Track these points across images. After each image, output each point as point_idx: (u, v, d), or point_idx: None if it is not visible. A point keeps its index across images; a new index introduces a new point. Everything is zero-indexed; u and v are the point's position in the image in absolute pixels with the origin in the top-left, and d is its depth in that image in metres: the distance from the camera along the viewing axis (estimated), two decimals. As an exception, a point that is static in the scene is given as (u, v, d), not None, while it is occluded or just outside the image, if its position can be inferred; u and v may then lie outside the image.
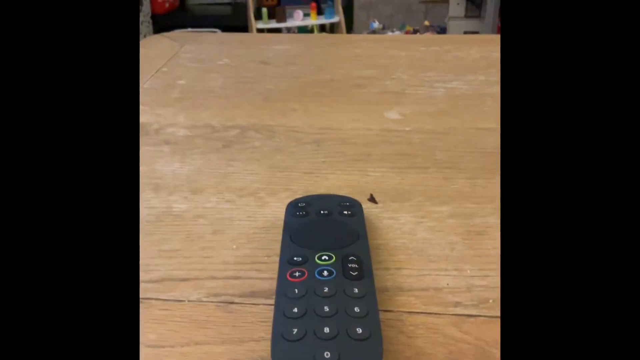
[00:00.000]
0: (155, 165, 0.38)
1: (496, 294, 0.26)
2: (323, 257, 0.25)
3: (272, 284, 0.27)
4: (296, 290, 0.23)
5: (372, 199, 0.34)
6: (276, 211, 0.33)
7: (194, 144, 0.41)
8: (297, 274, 0.24)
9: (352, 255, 0.25)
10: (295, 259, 0.25)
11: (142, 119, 0.45)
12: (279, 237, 0.29)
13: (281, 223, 0.29)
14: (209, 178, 0.37)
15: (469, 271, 0.28)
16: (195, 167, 0.38)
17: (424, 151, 0.39)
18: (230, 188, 0.35)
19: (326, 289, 0.23)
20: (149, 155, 0.39)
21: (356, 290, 0.23)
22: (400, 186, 0.35)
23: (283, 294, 0.23)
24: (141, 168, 0.38)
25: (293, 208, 0.30)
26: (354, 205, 0.30)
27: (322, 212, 0.29)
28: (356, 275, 0.24)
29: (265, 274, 0.28)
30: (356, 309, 0.22)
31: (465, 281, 0.27)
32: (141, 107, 0.47)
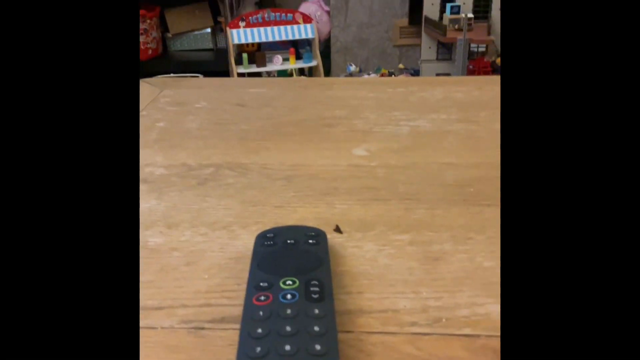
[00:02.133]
0: (133, 203, 0.40)
1: (448, 314, 0.28)
2: (287, 282, 0.27)
3: (241, 310, 0.28)
4: (261, 312, 0.25)
5: (337, 229, 0.36)
6: (247, 242, 0.35)
7: (170, 182, 0.43)
8: (262, 297, 0.26)
9: (315, 280, 0.27)
10: (261, 284, 0.27)
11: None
12: (249, 267, 0.30)
13: (251, 253, 0.31)
14: (184, 213, 0.38)
15: (424, 293, 0.30)
16: (171, 203, 0.40)
17: (387, 184, 0.42)
18: (204, 222, 0.37)
19: (289, 311, 0.25)
20: (127, 193, 0.41)
21: (317, 311, 0.25)
22: (364, 217, 0.37)
23: (249, 317, 0.25)
24: (119, 205, 0.39)
25: (262, 239, 0.32)
26: (319, 235, 0.32)
27: (288, 241, 0.31)
28: (317, 297, 0.26)
29: (235, 301, 0.29)
30: (316, 328, 0.24)
31: (421, 303, 0.29)
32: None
